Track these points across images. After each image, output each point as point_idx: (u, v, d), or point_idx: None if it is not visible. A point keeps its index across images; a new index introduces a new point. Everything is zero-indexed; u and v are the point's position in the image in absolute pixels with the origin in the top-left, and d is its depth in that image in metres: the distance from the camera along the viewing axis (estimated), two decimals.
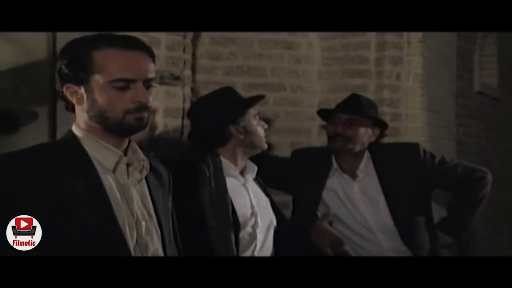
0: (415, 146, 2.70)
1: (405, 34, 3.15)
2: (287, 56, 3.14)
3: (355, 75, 3.14)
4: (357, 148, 2.60)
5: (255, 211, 2.24)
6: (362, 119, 2.60)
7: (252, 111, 2.30)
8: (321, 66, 3.19)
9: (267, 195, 2.39)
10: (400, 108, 3.14)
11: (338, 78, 3.16)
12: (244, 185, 2.28)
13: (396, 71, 3.15)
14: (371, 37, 3.13)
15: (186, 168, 2.12)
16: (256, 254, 2.19)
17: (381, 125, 2.70)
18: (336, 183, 2.63)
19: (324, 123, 2.97)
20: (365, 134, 2.61)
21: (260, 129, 2.30)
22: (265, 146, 2.34)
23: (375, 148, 2.68)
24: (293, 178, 2.72)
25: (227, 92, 2.35)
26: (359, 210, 2.58)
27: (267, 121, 2.47)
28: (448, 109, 3.64)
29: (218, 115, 2.22)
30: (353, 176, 2.62)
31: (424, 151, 2.67)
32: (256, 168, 2.34)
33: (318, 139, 3.12)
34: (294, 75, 3.16)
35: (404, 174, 2.57)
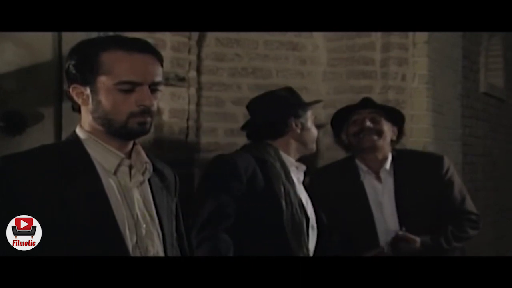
0: (439, 158, 2.63)
1: (410, 35, 3.15)
2: (293, 57, 3.14)
3: (360, 76, 3.13)
4: (385, 144, 2.58)
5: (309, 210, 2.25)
6: (384, 114, 2.59)
7: (310, 112, 2.35)
8: (327, 67, 3.19)
9: (308, 194, 2.36)
10: (405, 109, 3.13)
11: (343, 79, 3.15)
12: (299, 180, 2.29)
13: (401, 72, 3.15)
14: (377, 38, 3.12)
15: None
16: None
17: (399, 123, 2.68)
18: (367, 186, 2.58)
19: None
20: (389, 129, 2.60)
21: (314, 130, 2.35)
22: (314, 148, 2.38)
23: (398, 152, 2.66)
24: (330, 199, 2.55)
25: (290, 90, 2.41)
26: (384, 211, 2.53)
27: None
28: (454, 110, 3.63)
29: (281, 106, 2.28)
30: (378, 178, 2.58)
31: (448, 168, 2.58)
32: (305, 167, 2.34)
33: (323, 140, 3.11)
34: (300, 76, 3.15)
35: (420, 184, 2.51)
